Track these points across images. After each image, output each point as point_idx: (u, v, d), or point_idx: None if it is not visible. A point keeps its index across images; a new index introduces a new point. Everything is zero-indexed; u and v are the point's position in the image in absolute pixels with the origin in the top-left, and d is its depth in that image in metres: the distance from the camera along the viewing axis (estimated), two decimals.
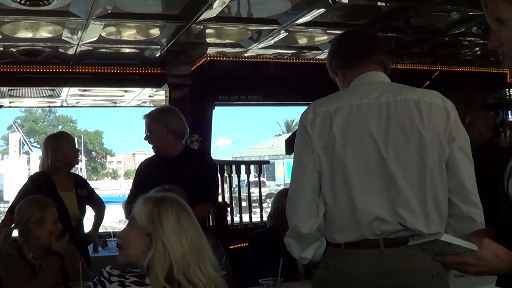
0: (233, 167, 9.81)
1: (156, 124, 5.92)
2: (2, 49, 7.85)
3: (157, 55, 8.35)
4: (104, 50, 8.12)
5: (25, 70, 8.54)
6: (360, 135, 3.27)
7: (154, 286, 2.94)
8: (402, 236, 3.12)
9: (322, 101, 3.45)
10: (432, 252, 2.41)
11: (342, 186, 3.26)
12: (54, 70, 8.63)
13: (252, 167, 10.58)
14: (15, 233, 5.08)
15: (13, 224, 5.11)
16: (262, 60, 9.03)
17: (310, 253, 3.40)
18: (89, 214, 6.88)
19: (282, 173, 46.35)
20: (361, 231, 3.24)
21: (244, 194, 10.87)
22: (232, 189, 10.22)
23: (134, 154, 78.72)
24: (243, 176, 10.09)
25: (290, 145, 10.02)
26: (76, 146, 6.78)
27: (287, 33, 7.58)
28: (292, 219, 3.38)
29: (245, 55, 8.76)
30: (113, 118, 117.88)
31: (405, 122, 3.25)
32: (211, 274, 3.08)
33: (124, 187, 49.26)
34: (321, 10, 6.59)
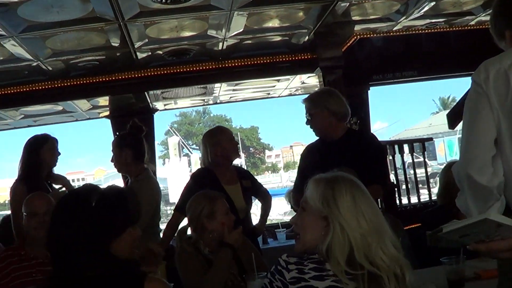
0: (396, 147, 9.49)
1: (317, 107, 5.74)
2: (150, 53, 7.92)
3: (305, 40, 8.19)
4: (250, 41, 8.04)
5: (175, 71, 8.62)
6: None
7: (335, 271, 2.80)
8: None
9: (493, 59, 3.16)
10: (474, 238, 2.07)
11: None
12: (204, 68, 8.66)
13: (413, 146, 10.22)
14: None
15: (187, 222, 5.12)
16: (413, 32, 8.66)
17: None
18: (253, 209, 6.79)
19: (443, 151, 45.12)
20: None
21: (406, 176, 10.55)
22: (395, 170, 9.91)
23: (291, 146, 79.53)
24: (405, 156, 9.77)
25: (453, 119, 9.61)
26: (236, 139, 6.67)
27: (434, 2, 7.22)
28: (464, 169, 3.08)
29: (395, 29, 8.43)
30: (266, 112, 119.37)
31: None
32: (394, 254, 2.90)
33: (285, 179, 49.64)
34: None
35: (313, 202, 2.96)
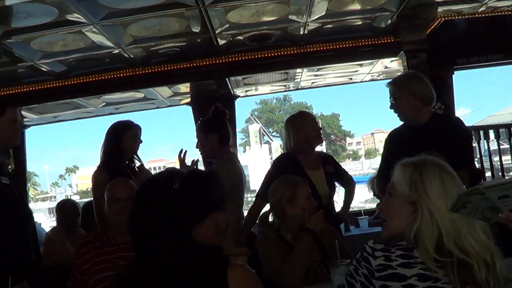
0: (481, 133, 9.23)
1: (401, 91, 5.57)
2: (231, 38, 7.88)
3: (388, 23, 8.02)
4: (332, 25, 7.92)
5: (256, 56, 8.55)
6: None
7: (424, 258, 2.71)
8: None
9: None
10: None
11: None
12: (285, 53, 8.56)
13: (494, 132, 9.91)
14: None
15: (268, 208, 5.11)
16: (499, 13, 8.39)
17: None
18: (334, 197, 6.70)
19: None
20: None
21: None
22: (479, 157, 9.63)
23: (372, 133, 79.17)
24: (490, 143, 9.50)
25: None
26: (319, 124, 6.58)
27: None
28: None
29: (480, 10, 8.19)
30: (348, 98, 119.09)
31: None
32: (484, 241, 2.79)
33: (366, 166, 49.35)
34: None
35: (400, 187, 2.87)
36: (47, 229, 8.60)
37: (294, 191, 4.84)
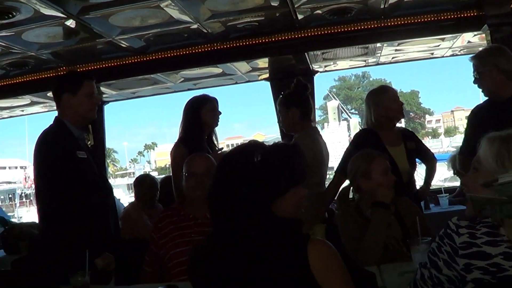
0: None
1: (485, 65, 5.42)
2: (310, 12, 7.76)
3: None
4: None
5: (335, 30, 8.40)
6: None
7: (510, 236, 2.59)
8: None
9: None
10: None
11: None
12: (365, 27, 8.39)
13: None
14: None
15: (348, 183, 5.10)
16: None
17: None
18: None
19: None
20: None
21: None
22: None
23: (452, 111, 78.03)
24: None
25: None
26: (399, 98, 6.46)
27: None
28: None
29: None
30: (428, 75, 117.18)
31: None
32: None
33: (446, 145, 48.61)
34: None
35: (486, 161, 2.78)
36: (126, 205, 8.69)
37: (368, 166, 4.77)
